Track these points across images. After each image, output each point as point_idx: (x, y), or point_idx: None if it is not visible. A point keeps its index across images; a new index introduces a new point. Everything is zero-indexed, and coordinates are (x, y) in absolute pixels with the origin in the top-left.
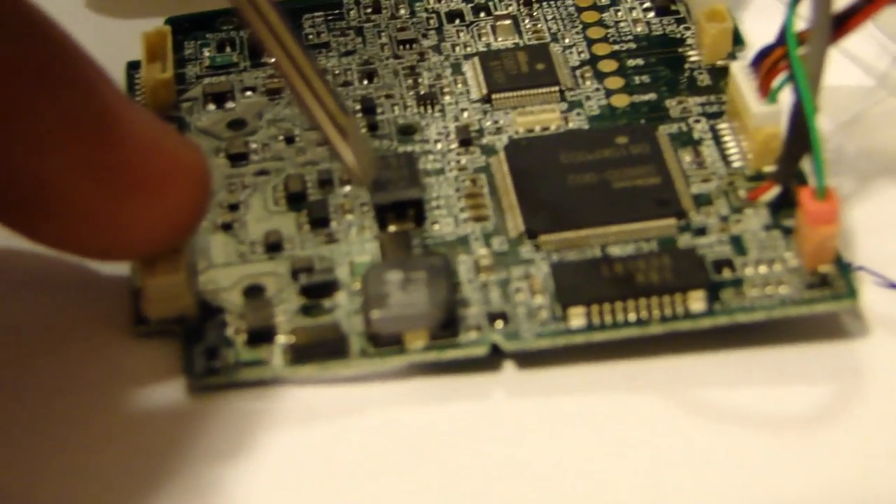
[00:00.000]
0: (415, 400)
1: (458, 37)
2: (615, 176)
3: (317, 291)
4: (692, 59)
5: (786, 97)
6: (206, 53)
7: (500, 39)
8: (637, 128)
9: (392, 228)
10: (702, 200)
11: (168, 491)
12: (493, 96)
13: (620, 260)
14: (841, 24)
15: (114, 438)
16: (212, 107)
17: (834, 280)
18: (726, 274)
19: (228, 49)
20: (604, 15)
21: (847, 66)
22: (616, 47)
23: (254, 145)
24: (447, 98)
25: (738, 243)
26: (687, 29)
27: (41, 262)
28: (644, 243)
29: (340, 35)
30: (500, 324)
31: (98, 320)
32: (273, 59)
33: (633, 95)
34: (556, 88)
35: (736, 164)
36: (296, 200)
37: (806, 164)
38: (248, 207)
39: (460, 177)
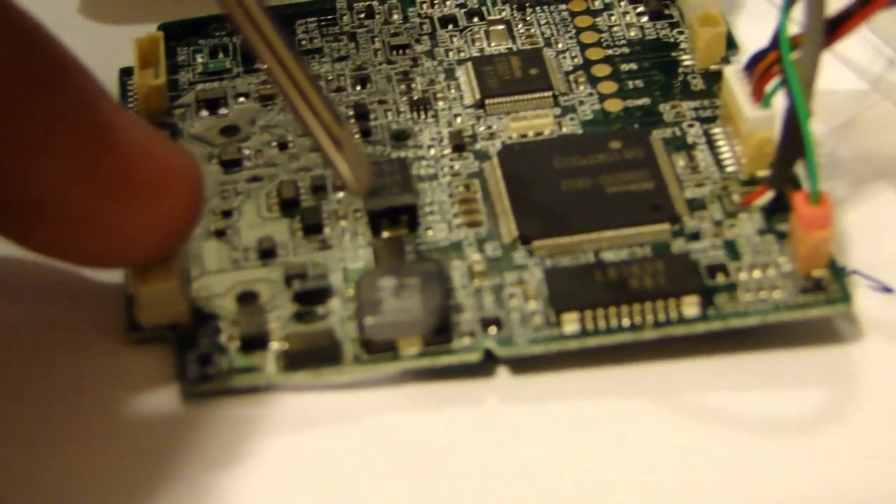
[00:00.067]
0: (409, 406)
1: (452, 42)
2: (609, 181)
3: (310, 298)
4: (686, 63)
5: (779, 101)
6: (199, 59)
7: (493, 44)
8: (631, 132)
9: (385, 234)
10: (696, 205)
11: (162, 497)
12: (487, 101)
13: (614, 265)
14: (834, 29)
15: (108, 445)
16: (205, 113)
17: (828, 284)
18: (720, 279)
19: (221, 55)
20: (597, 19)
21: (841, 70)
22: (609, 52)
23: (247, 151)
24: (440, 103)
25: (731, 248)
26: (680, 33)
27: (34, 269)
28: (638, 248)
29: (333, 40)
30: (493, 330)
31: (91, 327)
32: (266, 66)
33: (627, 100)
34: (550, 93)
35: (730, 169)
36: (289, 207)
37: (800, 169)
38: (241, 214)
39: (454, 182)
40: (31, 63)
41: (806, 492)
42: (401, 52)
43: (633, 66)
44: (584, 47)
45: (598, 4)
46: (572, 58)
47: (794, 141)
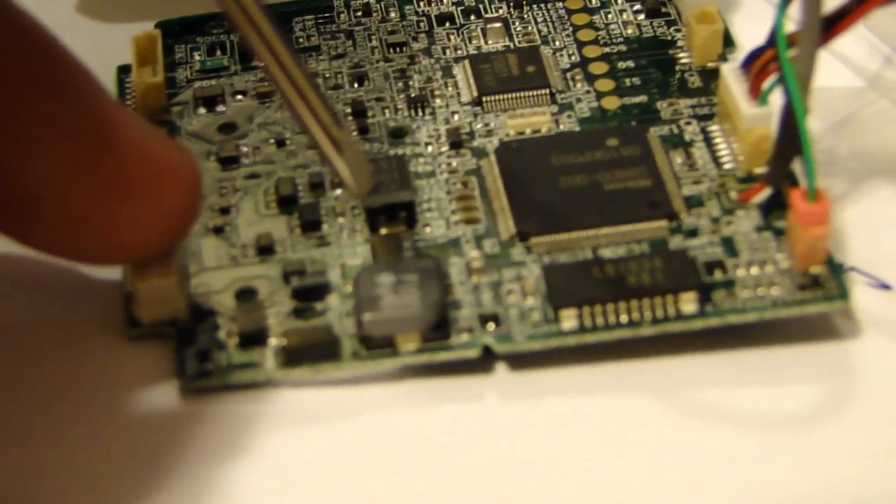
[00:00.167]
0: (407, 402)
1: (449, 40)
2: (606, 178)
3: (309, 294)
4: (683, 61)
5: (776, 99)
6: (197, 57)
7: (490, 42)
8: (628, 130)
9: (383, 231)
10: (693, 202)
11: (161, 493)
12: (484, 99)
13: (612, 262)
14: (831, 26)
15: (107, 441)
16: (202, 110)
17: (825, 281)
18: (718, 275)
19: (219, 53)
20: (594, 17)
21: (838, 67)
22: (607, 49)
23: (245, 149)
24: (438, 101)
25: (729, 245)
26: (677, 31)
27: (33, 266)
28: (635, 245)
29: (331, 38)
30: (491, 326)
31: (90, 324)
32: (264, 65)
33: (624, 97)
34: (547, 91)
35: (727, 166)
36: (287, 203)
37: (797, 166)
38: (239, 211)
39: (451, 179)
40: (30, 62)
41: (804, 488)
42: (398, 49)
43: (631, 63)
44: (581, 45)
45: (595, 2)
46: (569, 55)
47: (791, 138)
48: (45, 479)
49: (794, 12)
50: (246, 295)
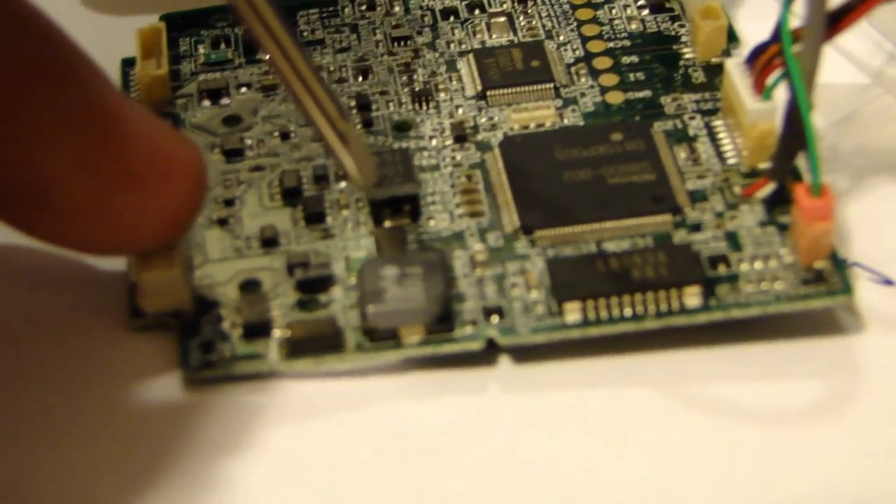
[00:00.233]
0: (410, 394)
1: (453, 34)
2: (610, 172)
3: (313, 286)
4: (687, 56)
5: (780, 94)
6: (201, 50)
7: (494, 36)
8: (632, 124)
9: (387, 224)
10: (697, 197)
11: (164, 484)
12: (488, 93)
13: (616, 255)
14: (835, 22)
15: (110, 432)
16: (207, 103)
17: (829, 276)
18: (722, 270)
19: (223, 46)
20: (598, 12)
21: (842, 63)
22: (611, 44)
23: (249, 141)
24: (442, 95)
25: (733, 239)
26: (681, 26)
27: (38, 256)
28: (639, 239)
29: (335, 32)
30: (495, 319)
31: (95, 314)
32: (269, 57)
33: (628, 92)
34: (551, 85)
35: (731, 161)
36: (291, 196)
37: (801, 161)
38: (243, 203)
39: (455, 173)
40: (36, 54)
41: (807, 482)
42: (402, 43)
43: (635, 58)
44: (585, 40)
45: None
46: (573, 50)
47: (795, 133)
48: (48, 468)
49: (799, 8)
50: (250, 286)
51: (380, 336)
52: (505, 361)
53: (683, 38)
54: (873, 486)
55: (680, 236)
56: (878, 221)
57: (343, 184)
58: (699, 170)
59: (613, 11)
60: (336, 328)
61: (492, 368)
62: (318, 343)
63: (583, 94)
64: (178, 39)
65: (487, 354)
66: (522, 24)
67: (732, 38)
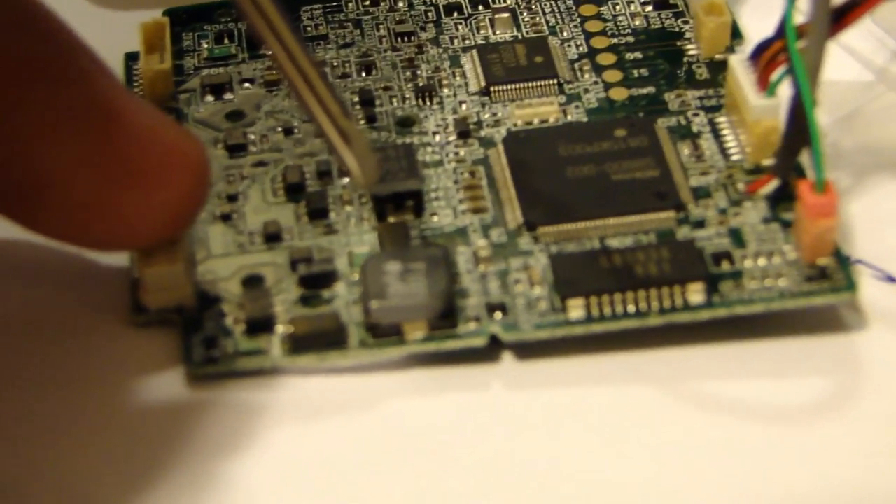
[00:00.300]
0: (413, 391)
1: (457, 30)
2: (614, 168)
3: (316, 282)
4: (691, 52)
5: (785, 91)
6: (205, 45)
7: (498, 32)
8: (636, 120)
9: (391, 219)
10: (700, 193)
11: (166, 480)
12: (492, 89)
13: (619, 252)
14: (839, 19)
15: (112, 428)
16: (210, 98)
17: (833, 273)
18: (725, 266)
19: (227, 41)
20: (602, 8)
21: (846, 60)
22: (614, 41)
23: (252, 136)
24: (445, 90)
25: (736, 236)
26: (685, 23)
27: (40, 252)
28: (643, 235)
29: (339, 27)
30: (499, 315)
31: (97, 310)
32: (272, 53)
33: (632, 89)
34: (555, 81)
35: (735, 158)
36: (294, 191)
37: (804, 158)
38: (246, 198)
39: (459, 168)
40: (40, 49)
41: (809, 479)
42: (406, 39)
43: (638, 54)
44: (588, 36)
45: None
46: (577, 46)
47: (799, 130)
48: (49, 465)
49: (803, 4)
50: (253, 282)
51: (383, 332)
52: (508, 358)
53: (687, 35)
54: (875, 483)
55: (683, 233)
56: (881, 218)
57: (346, 179)
58: (703, 166)
59: (617, 7)
60: (339, 324)
61: (495, 365)
62: (321, 339)
63: (586, 91)
64: (182, 34)
65: (490, 351)
66: (526, 19)
67: (736, 34)
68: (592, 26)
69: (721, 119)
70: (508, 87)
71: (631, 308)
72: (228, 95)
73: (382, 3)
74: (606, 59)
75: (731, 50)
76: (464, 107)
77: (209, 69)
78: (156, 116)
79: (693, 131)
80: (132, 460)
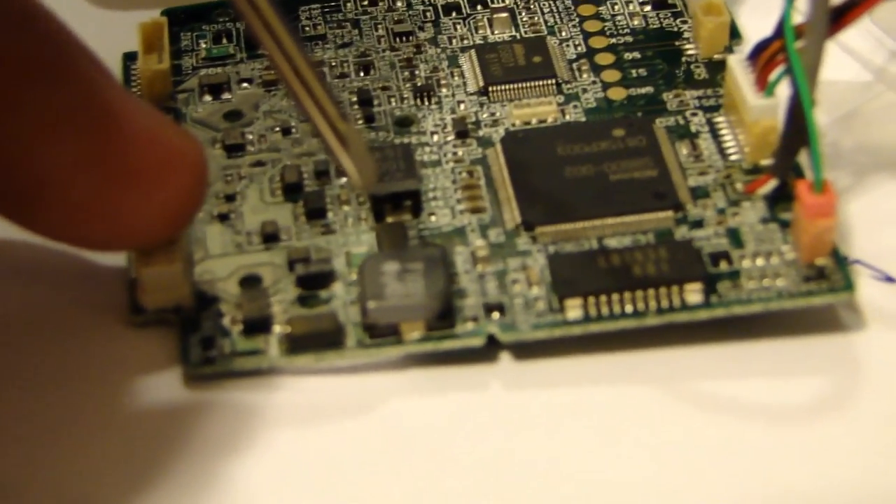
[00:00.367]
0: (411, 391)
1: (455, 29)
2: (612, 168)
3: (313, 282)
4: (689, 52)
5: (783, 90)
6: (203, 45)
7: (496, 32)
8: (634, 120)
9: (389, 219)
10: (699, 193)
11: (164, 480)
12: (490, 88)
13: (617, 252)
14: (838, 18)
15: (110, 428)
16: (208, 98)
17: (831, 273)
18: (723, 266)
19: (225, 40)
20: (600, 8)
21: (844, 60)
22: (613, 40)
23: (250, 136)
24: (444, 90)
25: (735, 236)
26: (684, 23)
27: (38, 252)
28: (641, 235)
29: (337, 27)
30: (496, 315)
31: (95, 310)
32: (269, 55)
33: (630, 88)
34: (553, 81)
35: (733, 158)
36: (292, 191)
37: (803, 158)
38: (244, 198)
39: (457, 168)
40: (38, 49)
41: (808, 479)
42: (404, 39)
43: (637, 54)
44: (587, 36)
45: None
46: (575, 46)
47: (798, 129)
48: (47, 465)
49: (801, 4)
50: (250, 282)
51: (380, 332)
52: (506, 358)
53: (686, 35)
54: (874, 483)
55: (681, 233)
56: (879, 218)
57: (344, 179)
58: (701, 166)
59: (616, 7)
60: (337, 324)
61: (493, 365)
62: (318, 339)
63: (585, 90)
64: (180, 34)
65: (488, 351)
66: (524, 19)
67: (735, 34)
68: (591, 26)
69: (719, 119)
70: (507, 86)
71: (629, 308)
72: (226, 95)
73: (381, 3)
74: (605, 58)
75: (729, 50)
76: (462, 107)
77: (207, 69)
78: (154, 116)
79: (691, 131)
80: (130, 460)
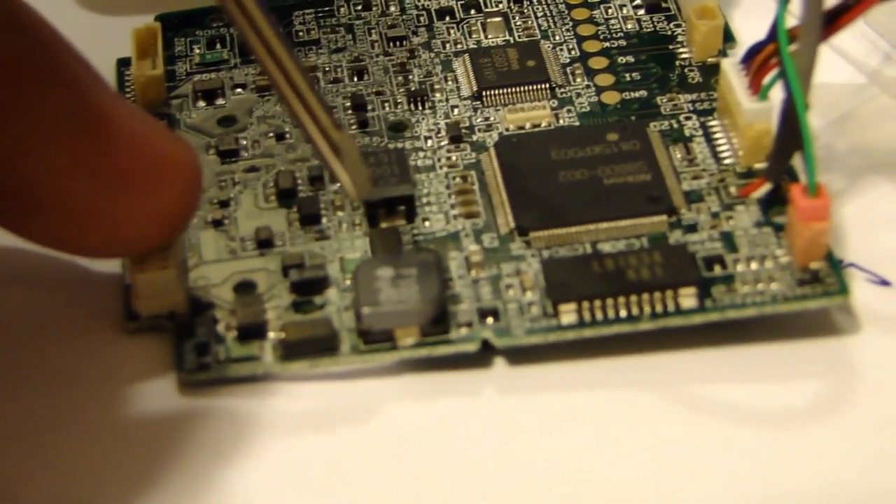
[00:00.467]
0: (405, 396)
1: (449, 34)
2: (606, 172)
3: (308, 288)
4: (683, 56)
5: (777, 94)
6: (196, 50)
7: (490, 36)
8: (628, 124)
9: (383, 225)
10: (693, 197)
11: (159, 486)
12: (484, 93)
13: (611, 256)
14: (832, 21)
15: (104, 434)
16: (202, 103)
17: (825, 276)
18: (717, 270)
19: (218, 46)
20: (594, 12)
21: (838, 63)
22: (606, 44)
23: (244, 142)
24: (437, 95)
25: (729, 240)
26: (677, 26)
27: (32, 258)
28: (635, 240)
29: (330, 32)
30: (490, 320)
31: (89, 316)
32: (259, 62)
33: (624, 92)
34: (547, 85)
35: (727, 161)
36: (286, 197)
37: (797, 162)
38: (238, 204)
39: (451, 173)
40: (29, 55)
41: (802, 483)
42: (398, 43)
43: (630, 58)
44: (581, 40)
45: None
46: (569, 50)
47: (791, 133)
48: (41, 472)
49: (795, 7)
50: (245, 288)
51: (375, 338)
52: (500, 363)
53: (679, 38)
54: (868, 487)
55: (675, 237)
56: (874, 222)
57: (338, 185)
58: (695, 170)
59: (609, 11)
60: (331, 330)
61: (487, 370)
62: (313, 345)
63: (578, 95)
64: (174, 39)
65: (482, 356)
66: (518, 23)
67: (729, 37)
68: (585, 30)
69: (713, 123)
70: (500, 91)
71: (623, 313)
72: (220, 101)
73: (374, 8)
74: (599, 62)
75: (723, 53)
76: (456, 111)
77: (201, 74)
78: (147, 122)
79: (685, 135)
80: (125, 467)
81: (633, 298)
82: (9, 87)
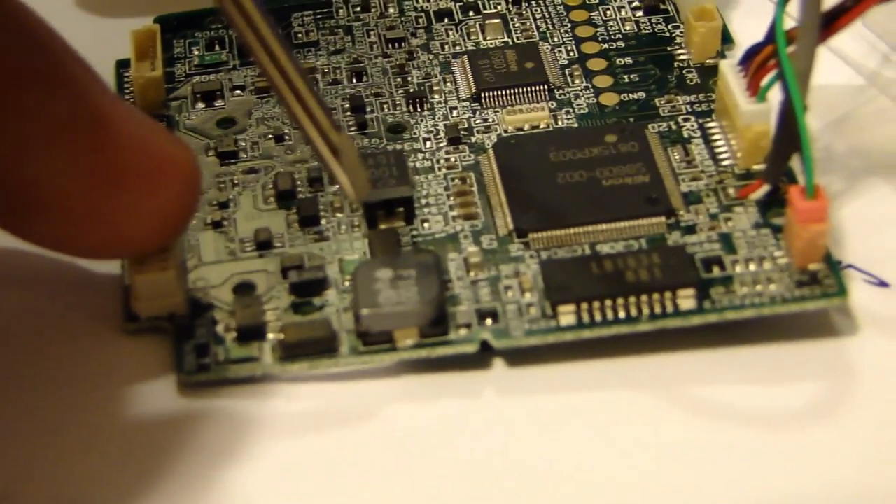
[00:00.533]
0: (405, 397)
1: (447, 35)
2: (604, 174)
3: (307, 289)
4: (681, 57)
5: (775, 95)
6: (195, 52)
7: (489, 38)
8: (626, 126)
9: (382, 226)
10: (691, 199)
11: (158, 488)
12: (482, 95)
13: (610, 258)
14: (830, 23)
15: (104, 436)
16: (201, 105)
17: (823, 278)
18: (716, 272)
19: (217, 48)
20: (592, 14)
21: (836, 64)
22: (605, 46)
23: (243, 143)
24: (436, 97)
25: (727, 241)
26: (676, 28)
27: (32, 260)
28: (634, 241)
29: (329, 34)
30: (489, 321)
31: (89, 318)
32: (259, 64)
33: (622, 94)
34: (545, 87)
35: (725, 163)
36: (285, 198)
37: (795, 163)
38: (237, 205)
39: (450, 175)
40: (29, 56)
41: (801, 484)
42: (397, 45)
43: (629, 60)
44: (579, 41)
45: None
46: (568, 52)
47: (790, 134)
48: (41, 473)
49: (793, 9)
50: (244, 289)
51: (374, 339)
52: (499, 364)
53: (678, 40)
54: (866, 488)
55: (674, 238)
56: (872, 223)
57: (337, 186)
58: (693, 171)
59: (608, 13)
60: (330, 331)
61: (486, 371)
62: (312, 346)
63: (577, 96)
64: (173, 41)
65: (481, 357)
66: (517, 25)
67: (727, 39)
68: (583, 31)
69: (712, 124)
70: (499, 92)
71: (622, 314)
72: (219, 102)
73: (373, 10)
74: (597, 64)
75: (721, 55)
76: (454, 113)
77: (200, 76)
78: (146, 124)
79: (684, 136)
80: (124, 468)
81: (632, 300)
82: (8, 88)
